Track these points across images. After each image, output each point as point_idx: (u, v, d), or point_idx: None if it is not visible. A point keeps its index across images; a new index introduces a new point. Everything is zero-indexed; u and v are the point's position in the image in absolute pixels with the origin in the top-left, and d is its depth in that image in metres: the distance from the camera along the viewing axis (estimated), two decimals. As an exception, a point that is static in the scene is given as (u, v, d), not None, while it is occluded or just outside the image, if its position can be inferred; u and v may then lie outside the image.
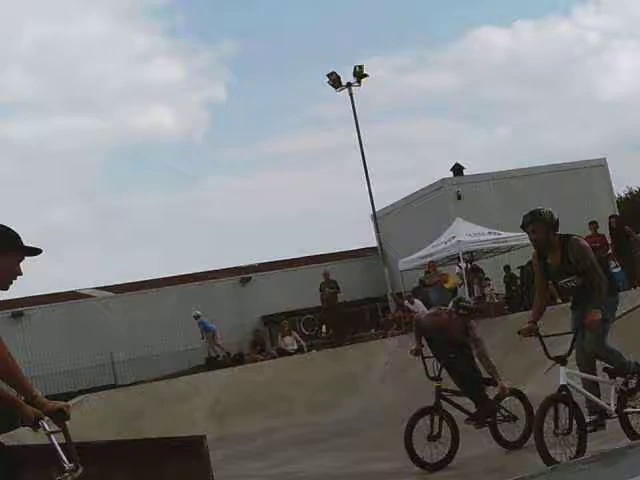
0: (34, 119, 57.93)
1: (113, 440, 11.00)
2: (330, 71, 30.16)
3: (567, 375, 6.75)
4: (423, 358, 9.03)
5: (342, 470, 10.00)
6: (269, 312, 30.75)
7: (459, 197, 30.80)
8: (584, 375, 7.07)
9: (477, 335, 8.86)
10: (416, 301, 20.90)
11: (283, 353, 20.66)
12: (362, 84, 30.17)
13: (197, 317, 24.37)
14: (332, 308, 23.33)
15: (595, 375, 7.15)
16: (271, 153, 61.63)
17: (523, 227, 7.15)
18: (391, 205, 33.62)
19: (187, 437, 10.04)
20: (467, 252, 22.83)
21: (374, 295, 31.59)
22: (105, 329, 29.45)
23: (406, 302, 21.68)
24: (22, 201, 54.86)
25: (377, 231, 31.45)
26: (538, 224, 7.02)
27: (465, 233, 23.28)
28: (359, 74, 30.00)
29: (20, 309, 30.56)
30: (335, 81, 30.08)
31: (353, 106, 30.10)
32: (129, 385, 22.27)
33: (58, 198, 56.81)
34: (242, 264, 33.99)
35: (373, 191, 30.20)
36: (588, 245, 7.16)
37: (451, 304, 9.51)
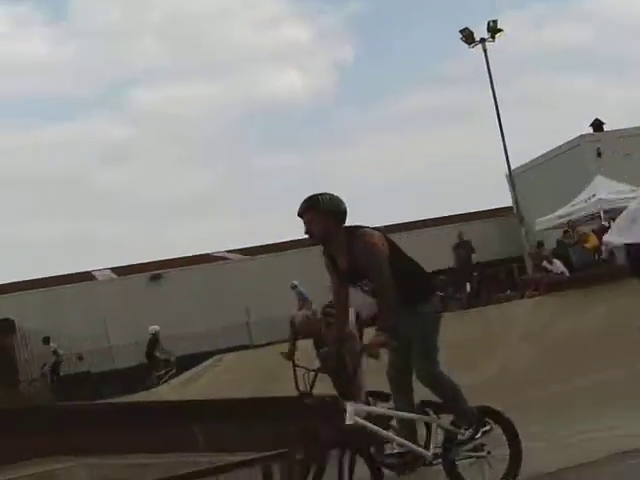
0: (165, 85, 59.46)
1: (252, 397, 11.16)
2: (463, 27, 29.63)
3: (356, 412, 5.27)
4: (294, 365, 7.16)
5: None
6: (401, 274, 30.61)
7: (599, 154, 29.70)
8: (392, 412, 5.76)
9: (355, 348, 7.02)
10: (555, 261, 20.26)
11: (416, 314, 20.50)
12: (496, 39, 29.46)
13: (294, 287, 24.57)
14: (466, 269, 23.07)
15: (413, 410, 5.75)
16: (401, 112, 60.97)
17: (299, 215, 5.73)
18: (527, 163, 32.75)
19: (322, 396, 10.13)
20: (608, 211, 21.97)
21: (510, 256, 30.97)
22: (240, 291, 29.98)
23: (544, 262, 21.09)
24: (155, 167, 56.55)
25: (513, 190, 30.75)
26: (315, 213, 5.57)
27: (606, 191, 22.47)
28: (493, 29, 29.31)
29: (158, 272, 31.53)
30: (468, 37, 29.51)
31: (487, 62, 29.47)
32: (264, 345, 22.58)
33: (191, 163, 58.23)
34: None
35: (508, 149, 29.56)
36: (377, 241, 5.56)
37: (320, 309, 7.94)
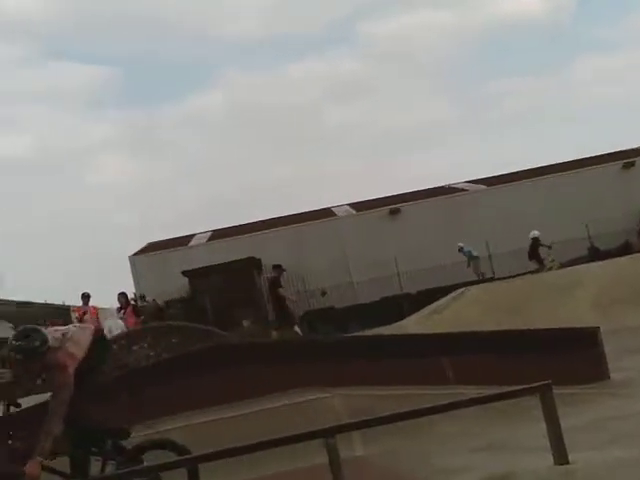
0: (395, 16, 58.83)
1: (497, 330, 10.78)
2: None
3: None
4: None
5: None
6: (659, 198, 28.57)
7: None
8: None
9: (57, 382, 5.66)
10: None
11: (677, 242, 19.26)
12: None
13: (461, 249, 26.28)
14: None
15: None
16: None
17: None
18: None
19: (582, 328, 9.61)
20: None
21: None
22: (479, 222, 29.34)
23: None
24: (389, 100, 56.37)
25: None
26: None
27: None
28: None
29: (397, 206, 31.52)
30: None
31: None
32: (508, 277, 22.08)
33: (426, 93, 57.58)
34: (626, 148, 31.85)
35: None
36: None
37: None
